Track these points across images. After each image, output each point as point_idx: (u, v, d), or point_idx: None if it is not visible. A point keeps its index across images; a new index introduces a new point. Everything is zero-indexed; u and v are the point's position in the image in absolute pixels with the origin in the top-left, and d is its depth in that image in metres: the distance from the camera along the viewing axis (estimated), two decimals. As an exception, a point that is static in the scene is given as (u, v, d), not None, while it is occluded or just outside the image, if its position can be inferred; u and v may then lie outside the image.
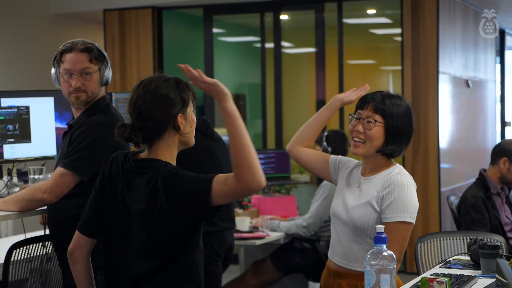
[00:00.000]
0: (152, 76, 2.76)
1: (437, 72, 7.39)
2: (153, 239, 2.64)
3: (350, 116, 3.12)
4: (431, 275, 2.67)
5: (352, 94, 3.37)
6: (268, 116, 8.43)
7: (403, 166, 7.37)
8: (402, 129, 3.07)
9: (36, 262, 3.70)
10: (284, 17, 8.54)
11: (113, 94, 5.22)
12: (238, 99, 9.98)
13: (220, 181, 2.58)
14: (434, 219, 7.33)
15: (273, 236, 5.45)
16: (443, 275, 2.75)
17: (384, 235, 2.30)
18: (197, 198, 2.57)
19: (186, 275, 2.67)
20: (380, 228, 2.32)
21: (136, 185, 2.68)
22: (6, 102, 4.01)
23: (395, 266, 2.29)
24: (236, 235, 5.30)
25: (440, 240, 4.07)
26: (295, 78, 9.11)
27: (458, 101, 8.13)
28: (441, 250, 4.04)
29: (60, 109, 4.20)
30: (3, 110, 3.99)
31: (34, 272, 3.75)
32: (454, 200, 5.19)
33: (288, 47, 9.18)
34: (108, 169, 2.75)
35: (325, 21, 8.23)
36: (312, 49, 8.50)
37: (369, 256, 2.29)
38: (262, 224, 5.55)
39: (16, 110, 4.05)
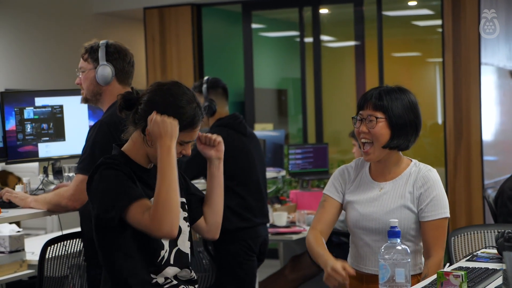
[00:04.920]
0: (186, 90, 2.77)
1: (479, 64, 7.28)
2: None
3: (353, 119, 3.08)
4: (453, 268, 2.65)
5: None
6: (308, 111, 8.42)
7: (445, 159, 7.31)
8: (405, 121, 3.01)
9: (77, 258, 3.76)
10: (323, 11, 8.52)
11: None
12: (280, 94, 9.99)
13: (142, 206, 2.60)
14: (478, 212, 7.23)
15: (310, 230, 5.44)
16: (467, 268, 2.73)
17: (398, 229, 2.29)
18: (109, 209, 2.62)
19: (116, 283, 2.71)
20: (394, 222, 2.31)
21: None
22: (41, 101, 4.08)
23: (409, 260, 2.28)
24: (273, 230, 5.32)
25: (475, 233, 4.01)
26: (335, 72, 9.08)
27: (502, 92, 8.00)
28: (475, 243, 3.98)
29: (94, 107, 4.25)
30: (38, 109, 4.07)
31: (74, 268, 3.80)
32: (491, 192, 5.11)
33: (328, 41, 9.16)
34: None
35: (365, 14, 8.17)
36: (352, 43, 8.46)
37: (383, 250, 2.28)
38: (299, 219, 5.56)
39: (50, 109, 4.12)
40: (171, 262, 2.77)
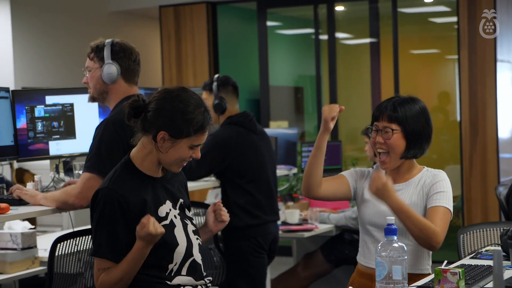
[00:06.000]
0: (193, 95, 2.81)
1: (495, 60, 7.26)
2: None
3: (369, 129, 3.19)
4: (455, 266, 2.65)
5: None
6: (324, 108, 8.41)
7: (461, 156, 7.28)
8: (420, 131, 3.13)
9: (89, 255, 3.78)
10: (338, 8, 8.51)
11: (158, 89, 5.27)
12: (297, 92, 9.99)
13: (102, 265, 2.75)
14: (494, 209, 7.21)
15: (322, 228, 5.45)
16: (469, 266, 2.73)
17: (394, 226, 2.30)
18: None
19: None
20: (391, 219, 2.32)
21: None
22: (51, 99, 4.11)
23: (406, 257, 2.28)
24: (284, 227, 5.33)
25: (485, 231, 3.99)
26: (351, 69, 9.07)
27: (519, 89, 7.97)
28: (485, 241, 3.96)
29: (104, 105, 4.28)
30: (48, 108, 4.09)
31: (86, 265, 3.82)
32: (503, 190, 5.09)
33: (343, 39, 9.14)
34: None
35: (380, 11, 8.16)
36: (367, 40, 8.45)
37: (379, 247, 2.29)
38: (311, 217, 5.56)
39: (60, 107, 4.15)
40: (183, 273, 2.83)
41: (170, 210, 2.85)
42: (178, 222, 2.84)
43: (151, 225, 2.64)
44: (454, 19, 7.92)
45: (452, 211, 3.11)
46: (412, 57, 9.55)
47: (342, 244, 5.54)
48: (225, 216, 3.03)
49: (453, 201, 7.55)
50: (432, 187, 3.11)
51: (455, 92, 8.97)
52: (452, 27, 8.88)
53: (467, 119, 7.34)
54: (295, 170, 6.11)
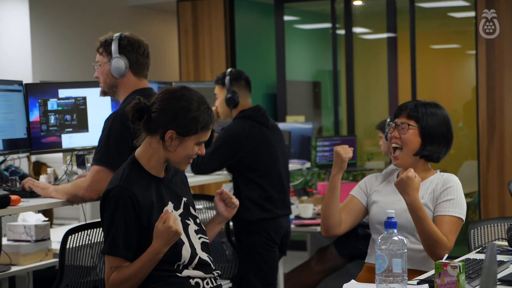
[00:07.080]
0: (196, 93, 2.85)
1: (513, 55, 7.21)
2: None
3: (388, 125, 3.24)
4: (460, 260, 2.64)
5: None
6: (341, 103, 8.41)
7: (477, 152, 7.24)
8: (437, 132, 3.15)
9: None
10: (356, 3, 8.50)
11: (172, 83, 5.28)
12: (314, 87, 9.99)
13: (114, 262, 2.76)
14: (510, 204, 7.17)
15: (335, 222, 5.45)
16: (474, 260, 2.73)
17: (394, 220, 2.30)
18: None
19: None
20: (390, 213, 2.32)
21: None
22: (64, 93, 4.15)
23: (405, 250, 2.29)
24: (297, 221, 5.34)
25: (494, 226, 3.98)
26: (368, 64, 9.04)
27: (538, 84, 7.89)
28: (495, 236, 3.95)
29: (116, 99, 4.30)
30: (61, 101, 4.13)
31: (99, 257, 3.84)
32: (516, 186, 5.07)
33: (360, 33, 9.12)
34: None
35: (398, 6, 8.13)
36: (385, 35, 8.43)
37: (379, 240, 2.30)
38: (324, 211, 5.56)
39: (73, 100, 4.18)
40: (191, 269, 2.87)
41: (171, 212, 2.87)
42: (179, 223, 2.86)
43: (171, 220, 2.67)
44: (473, 13, 7.88)
45: (462, 217, 3.11)
46: (431, 52, 9.50)
47: (356, 239, 5.53)
48: (235, 200, 3.07)
49: (470, 197, 7.51)
50: (442, 193, 3.12)
51: (475, 86, 8.93)
52: (472, 22, 8.83)
53: (485, 115, 7.30)
54: (308, 165, 6.12)
